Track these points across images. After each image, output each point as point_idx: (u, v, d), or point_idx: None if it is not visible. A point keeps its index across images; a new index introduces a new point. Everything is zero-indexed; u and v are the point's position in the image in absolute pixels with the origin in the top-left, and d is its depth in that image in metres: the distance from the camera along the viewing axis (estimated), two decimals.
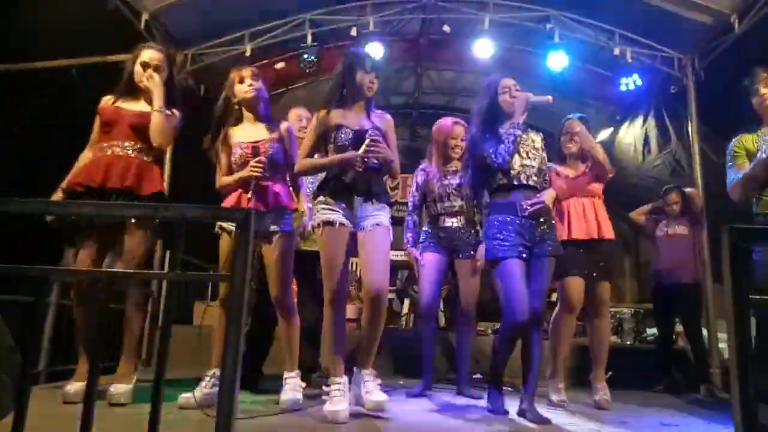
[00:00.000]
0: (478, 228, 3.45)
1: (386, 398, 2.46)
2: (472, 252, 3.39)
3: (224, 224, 2.67)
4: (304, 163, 2.64)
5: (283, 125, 2.83)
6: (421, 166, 3.64)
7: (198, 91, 5.68)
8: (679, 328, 4.63)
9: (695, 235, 4.47)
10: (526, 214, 2.60)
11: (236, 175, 2.69)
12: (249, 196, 2.58)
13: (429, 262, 3.43)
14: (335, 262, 2.51)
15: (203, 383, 2.62)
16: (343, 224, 2.53)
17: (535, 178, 2.70)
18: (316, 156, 2.65)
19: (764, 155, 2.66)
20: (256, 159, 2.62)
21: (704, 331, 4.55)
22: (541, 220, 2.66)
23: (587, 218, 3.25)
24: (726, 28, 4.87)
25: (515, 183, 2.66)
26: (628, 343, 5.20)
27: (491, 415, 2.68)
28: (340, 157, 2.52)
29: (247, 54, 5.57)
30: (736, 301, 1.01)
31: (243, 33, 5.62)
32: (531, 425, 2.48)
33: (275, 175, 2.73)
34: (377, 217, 2.57)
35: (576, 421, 2.71)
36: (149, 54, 2.77)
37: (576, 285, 3.17)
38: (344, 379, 2.49)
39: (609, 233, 3.26)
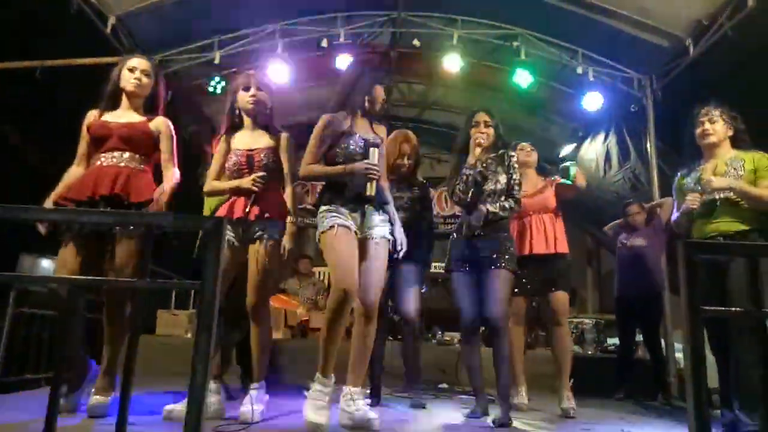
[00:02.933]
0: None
1: (376, 416, 2.42)
2: (412, 261, 3.30)
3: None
4: (312, 169, 2.57)
5: (284, 135, 2.80)
6: None
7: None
8: (639, 337, 4.77)
9: (655, 246, 4.62)
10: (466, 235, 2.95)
11: (231, 183, 2.68)
12: (248, 209, 2.56)
13: None
14: (351, 261, 2.43)
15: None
16: (356, 232, 2.51)
17: (488, 199, 2.97)
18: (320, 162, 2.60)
19: (685, 206, 2.86)
20: (259, 175, 2.60)
21: (663, 341, 4.71)
22: (483, 237, 2.93)
23: (547, 234, 3.49)
24: (682, 51, 5.11)
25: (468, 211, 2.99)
26: (590, 352, 5.33)
27: (468, 422, 2.84)
28: (351, 167, 2.50)
29: (216, 62, 5.54)
30: (691, 310, 1.07)
31: (212, 40, 5.58)
32: (495, 430, 2.60)
33: (269, 184, 2.69)
34: (383, 228, 2.59)
35: (540, 428, 2.77)
36: (137, 60, 2.77)
37: (519, 303, 3.46)
38: (332, 380, 2.44)
39: (563, 248, 3.52)
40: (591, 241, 7.91)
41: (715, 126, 2.91)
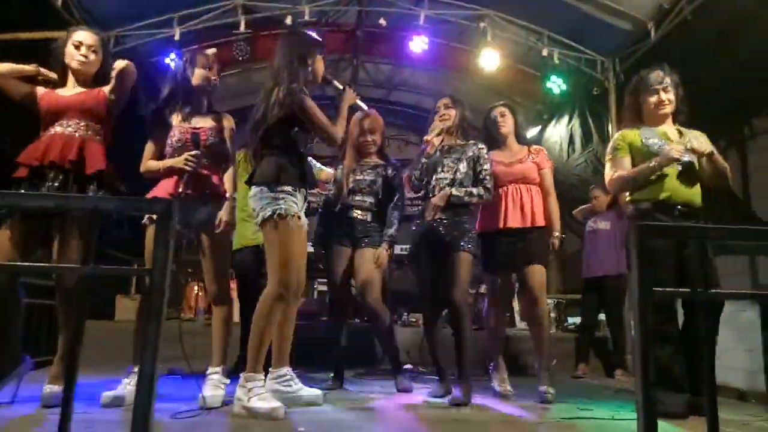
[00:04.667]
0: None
1: (320, 392, 2.50)
2: (369, 239, 3.27)
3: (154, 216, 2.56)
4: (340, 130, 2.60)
5: (227, 117, 2.81)
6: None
7: None
8: (601, 317, 4.92)
9: (619, 229, 4.71)
10: (428, 218, 2.98)
11: (167, 162, 2.62)
12: (180, 190, 2.50)
13: (333, 255, 3.33)
14: (303, 259, 2.51)
15: (127, 380, 2.52)
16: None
17: (448, 188, 2.99)
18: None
19: (653, 163, 2.78)
20: (192, 153, 2.55)
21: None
22: (445, 221, 2.95)
23: (523, 207, 3.19)
24: (644, 34, 5.18)
25: (430, 195, 3.03)
26: (551, 331, 5.44)
27: (429, 401, 2.93)
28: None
29: (176, 38, 5.34)
30: (642, 291, 1.08)
31: (171, 16, 5.37)
32: (452, 409, 2.67)
33: (212, 165, 2.68)
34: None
35: (496, 404, 2.85)
36: (83, 34, 2.62)
37: (494, 282, 3.32)
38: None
39: (542, 221, 3.21)
40: None
41: (669, 96, 2.93)
